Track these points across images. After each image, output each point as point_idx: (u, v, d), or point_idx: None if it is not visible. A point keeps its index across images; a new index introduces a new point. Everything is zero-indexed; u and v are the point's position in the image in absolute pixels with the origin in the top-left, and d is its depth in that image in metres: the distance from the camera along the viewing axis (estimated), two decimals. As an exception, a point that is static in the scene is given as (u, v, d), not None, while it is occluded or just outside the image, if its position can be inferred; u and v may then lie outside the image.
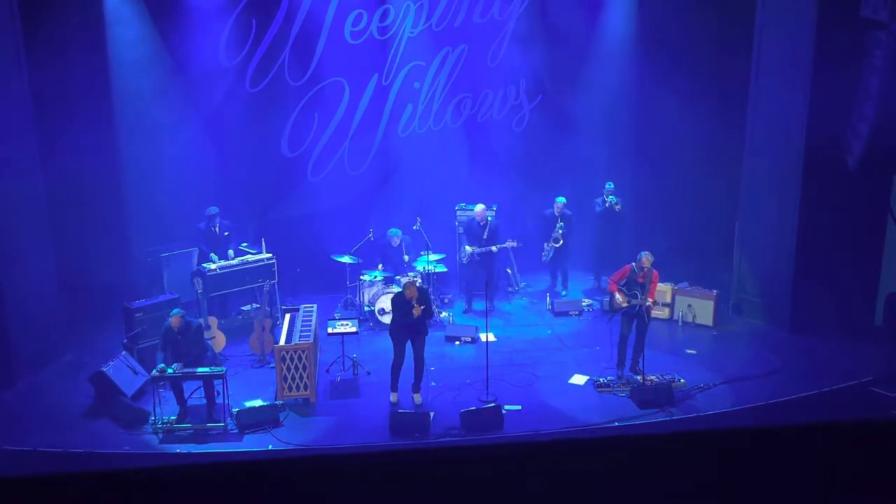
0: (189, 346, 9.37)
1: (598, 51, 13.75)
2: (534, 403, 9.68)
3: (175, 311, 9.51)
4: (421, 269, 12.25)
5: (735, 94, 12.23)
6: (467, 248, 12.59)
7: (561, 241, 12.87)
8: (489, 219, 12.58)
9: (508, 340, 11.64)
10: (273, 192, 13.53)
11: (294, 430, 9.15)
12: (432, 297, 12.22)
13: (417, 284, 9.44)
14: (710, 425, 8.98)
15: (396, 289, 11.84)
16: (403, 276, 12.14)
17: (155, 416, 9.15)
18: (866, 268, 11.47)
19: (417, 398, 9.71)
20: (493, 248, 12.47)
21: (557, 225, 12.84)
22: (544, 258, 13.13)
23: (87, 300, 11.65)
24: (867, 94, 10.95)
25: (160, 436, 9.02)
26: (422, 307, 9.48)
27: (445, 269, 12.79)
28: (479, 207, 12.57)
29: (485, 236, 12.48)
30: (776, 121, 11.45)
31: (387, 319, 10.20)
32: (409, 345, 9.64)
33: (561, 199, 12.93)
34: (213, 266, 11.56)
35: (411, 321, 9.50)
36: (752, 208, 12.11)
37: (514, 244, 12.62)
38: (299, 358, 9.64)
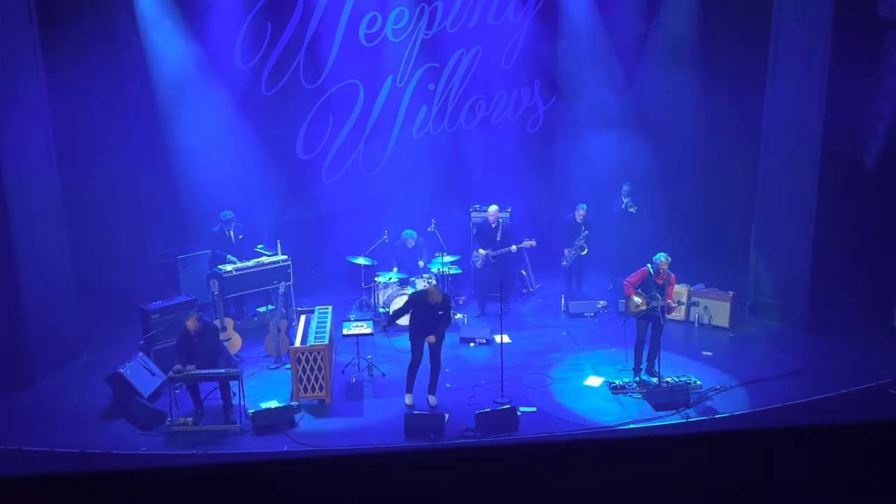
0: (205, 348, 9.41)
1: (612, 51, 13.71)
2: (549, 405, 9.66)
3: (191, 313, 9.55)
4: (435, 271, 12.25)
5: (751, 94, 12.15)
6: (480, 251, 12.56)
7: (586, 250, 12.81)
8: (501, 220, 12.55)
9: (523, 342, 11.62)
10: (288, 194, 13.57)
11: (309, 432, 9.17)
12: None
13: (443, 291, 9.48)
14: (726, 427, 8.93)
15: (412, 290, 11.85)
16: (419, 279, 12.14)
17: (171, 418, 9.20)
18: (884, 268, 11.38)
19: (432, 400, 9.71)
20: (513, 248, 12.42)
21: (582, 233, 12.77)
22: (564, 264, 13.07)
23: (103, 302, 11.72)
24: (885, 92, 10.87)
25: (176, 437, 9.06)
26: (440, 312, 9.51)
27: (460, 271, 12.78)
28: (493, 209, 12.54)
29: (498, 238, 12.45)
30: (793, 120, 11.37)
31: (403, 321, 10.21)
32: (426, 346, 9.64)
33: (583, 206, 12.84)
34: (228, 268, 11.62)
35: (423, 321, 9.50)
36: (769, 209, 12.02)
37: (533, 243, 12.58)
38: (315, 359, 9.66)
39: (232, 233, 12.03)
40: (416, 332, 9.62)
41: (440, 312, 9.54)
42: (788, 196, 11.61)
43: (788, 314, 11.77)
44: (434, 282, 12.13)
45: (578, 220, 12.84)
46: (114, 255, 11.84)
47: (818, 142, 10.97)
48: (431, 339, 9.55)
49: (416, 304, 9.66)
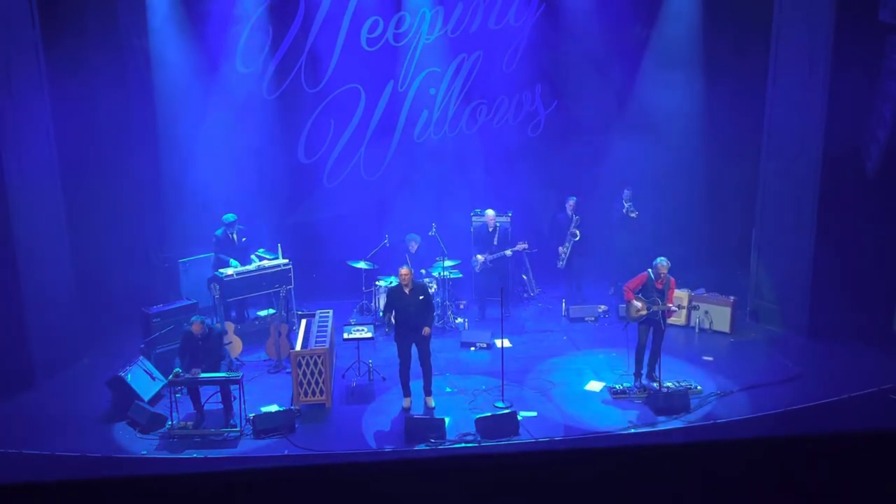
0: (208, 352, 9.41)
1: (613, 56, 13.71)
2: (549, 410, 9.65)
3: (196, 317, 9.54)
4: (436, 276, 12.25)
5: (752, 98, 12.16)
6: (478, 256, 12.57)
7: (578, 235, 12.82)
8: (499, 225, 12.56)
9: (524, 346, 11.62)
10: (289, 198, 13.59)
11: (310, 436, 9.17)
12: (447, 302, 12.23)
13: (415, 279, 9.52)
14: (726, 433, 8.92)
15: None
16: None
17: (172, 421, 9.20)
18: (885, 273, 11.36)
19: (430, 401, 9.71)
20: (507, 252, 12.44)
21: (574, 219, 12.84)
22: (560, 265, 13.09)
23: (104, 305, 11.73)
24: (885, 97, 10.87)
25: (176, 440, 9.07)
26: (421, 297, 9.53)
27: (461, 275, 12.78)
28: (490, 213, 12.58)
29: (495, 242, 12.47)
30: (793, 125, 11.38)
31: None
32: (415, 349, 9.63)
33: (573, 198, 13.01)
34: (229, 272, 11.62)
35: (408, 316, 9.47)
36: (770, 213, 12.02)
37: (525, 246, 12.60)
38: (315, 363, 9.66)
39: (235, 236, 12.03)
40: (401, 332, 9.61)
41: (421, 298, 9.54)
42: (789, 200, 11.61)
43: (789, 319, 11.76)
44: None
45: (569, 212, 12.91)
46: (115, 258, 11.85)
47: (819, 146, 10.97)
48: (426, 330, 9.55)
49: (395, 297, 9.66)
